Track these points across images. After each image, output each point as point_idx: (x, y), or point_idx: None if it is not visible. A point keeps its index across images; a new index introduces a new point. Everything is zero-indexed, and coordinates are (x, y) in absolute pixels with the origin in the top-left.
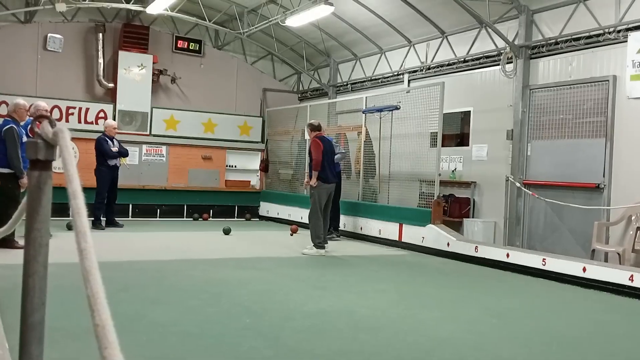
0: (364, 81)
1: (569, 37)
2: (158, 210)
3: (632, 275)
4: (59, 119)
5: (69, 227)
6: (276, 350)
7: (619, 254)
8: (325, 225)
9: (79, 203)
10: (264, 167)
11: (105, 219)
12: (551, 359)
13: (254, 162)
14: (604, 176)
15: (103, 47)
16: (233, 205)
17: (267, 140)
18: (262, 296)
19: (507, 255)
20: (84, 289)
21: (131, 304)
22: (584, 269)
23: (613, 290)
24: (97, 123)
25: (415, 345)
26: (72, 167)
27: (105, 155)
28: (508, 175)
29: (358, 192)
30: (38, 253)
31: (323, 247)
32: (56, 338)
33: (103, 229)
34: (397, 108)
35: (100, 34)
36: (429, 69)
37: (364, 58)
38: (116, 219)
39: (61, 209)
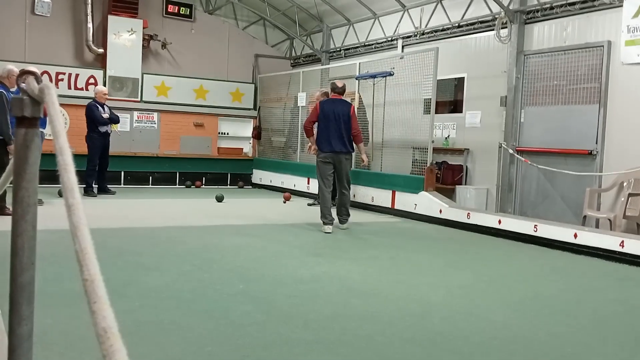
0: (357, 47)
1: (564, 2)
2: (150, 177)
3: (622, 241)
4: None
5: (61, 194)
6: (269, 314)
7: (610, 220)
8: (345, 203)
9: (66, 159)
10: (257, 134)
11: (97, 186)
12: (542, 323)
13: (247, 129)
14: (596, 143)
15: (92, 12)
16: (226, 172)
17: (259, 107)
18: (255, 262)
19: (499, 221)
20: (73, 244)
21: (124, 269)
22: (575, 235)
23: (604, 256)
24: (87, 89)
25: (407, 310)
26: (58, 123)
27: (96, 122)
28: (501, 142)
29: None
30: (26, 212)
31: (326, 223)
32: (49, 303)
33: (95, 196)
34: (390, 74)
35: None
36: (423, 34)
37: (357, 23)
38: (108, 186)
39: (53, 176)
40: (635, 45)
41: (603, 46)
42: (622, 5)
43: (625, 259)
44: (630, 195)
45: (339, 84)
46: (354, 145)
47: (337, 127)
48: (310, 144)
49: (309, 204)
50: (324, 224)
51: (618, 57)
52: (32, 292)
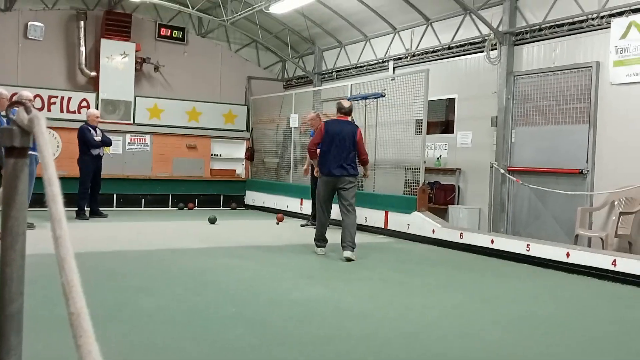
0: (349, 69)
1: (553, 24)
2: (143, 200)
3: (614, 260)
4: (41, 109)
5: None
6: (262, 337)
7: (602, 239)
8: (348, 227)
9: (54, 190)
10: (249, 155)
11: (89, 209)
12: (536, 343)
13: (239, 150)
14: (587, 162)
15: (85, 35)
16: (218, 194)
17: (252, 128)
18: (248, 284)
19: (492, 241)
20: (59, 277)
21: (116, 292)
22: (568, 254)
23: (596, 275)
24: (79, 112)
25: (401, 331)
26: (47, 153)
27: (88, 145)
28: (492, 162)
29: None
30: (15, 242)
31: (319, 246)
32: (40, 328)
33: (87, 219)
34: (382, 95)
35: (82, 22)
36: (413, 56)
37: (349, 45)
38: (100, 209)
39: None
40: (624, 66)
41: (592, 67)
42: (609, 27)
43: (618, 277)
44: (621, 214)
45: (346, 104)
46: (360, 165)
47: (340, 150)
48: (315, 167)
49: (302, 225)
50: (317, 246)
51: (607, 78)
52: (20, 322)
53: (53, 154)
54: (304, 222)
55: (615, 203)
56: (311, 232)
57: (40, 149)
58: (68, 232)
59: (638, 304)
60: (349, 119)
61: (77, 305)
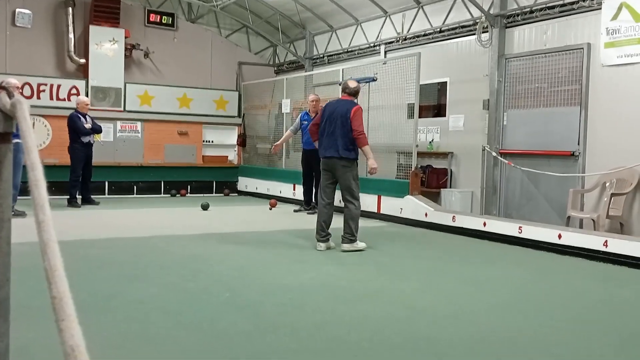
0: (340, 53)
1: (544, 6)
2: (135, 187)
3: (606, 241)
4: (30, 96)
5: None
6: (256, 324)
7: (593, 220)
8: (347, 219)
9: (37, 175)
10: (242, 141)
11: (81, 197)
12: (528, 325)
13: (231, 136)
14: (578, 144)
15: (73, 22)
16: (211, 180)
17: (243, 114)
18: (241, 271)
19: (484, 224)
20: (42, 261)
21: (108, 281)
22: (560, 236)
23: (588, 256)
24: (69, 100)
25: (394, 315)
26: (30, 138)
27: (78, 132)
28: (484, 145)
29: None
30: (0, 228)
31: (319, 240)
32: (32, 317)
33: (79, 207)
34: (373, 80)
35: (70, 9)
36: (405, 39)
37: (340, 29)
38: (92, 196)
39: None
40: (615, 47)
41: (583, 48)
42: (600, 8)
43: (609, 258)
44: (612, 195)
45: (351, 84)
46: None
47: (332, 129)
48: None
49: (295, 210)
50: (317, 240)
51: (598, 59)
52: (7, 309)
53: (44, 142)
54: (297, 207)
55: (607, 184)
56: (304, 217)
57: (23, 134)
58: (51, 217)
59: (629, 284)
60: (355, 100)
61: (59, 289)
